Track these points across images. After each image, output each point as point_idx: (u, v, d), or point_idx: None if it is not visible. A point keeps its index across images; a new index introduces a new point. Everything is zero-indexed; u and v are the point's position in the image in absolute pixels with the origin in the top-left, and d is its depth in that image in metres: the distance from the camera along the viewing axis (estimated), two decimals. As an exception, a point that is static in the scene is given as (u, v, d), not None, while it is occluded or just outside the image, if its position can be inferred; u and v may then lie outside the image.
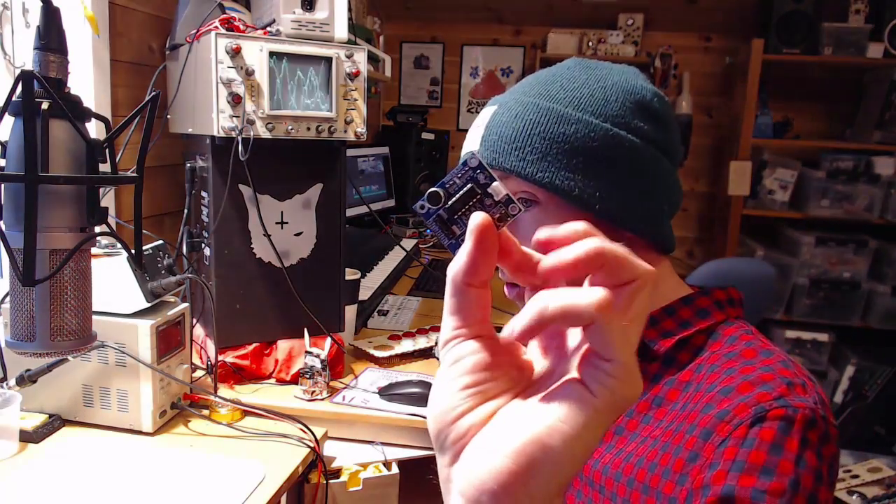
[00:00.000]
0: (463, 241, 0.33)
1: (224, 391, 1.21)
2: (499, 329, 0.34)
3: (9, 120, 0.63)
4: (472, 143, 0.68)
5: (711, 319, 0.65)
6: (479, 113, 0.73)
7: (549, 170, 0.62)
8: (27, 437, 1.02)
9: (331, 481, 1.11)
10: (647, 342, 0.65)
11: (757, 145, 3.12)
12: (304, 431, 1.09)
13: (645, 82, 0.67)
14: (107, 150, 0.68)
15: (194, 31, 1.21)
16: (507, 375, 0.32)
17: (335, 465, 1.15)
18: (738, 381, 0.56)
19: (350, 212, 2.25)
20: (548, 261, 0.30)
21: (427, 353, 1.45)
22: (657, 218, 0.65)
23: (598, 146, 0.62)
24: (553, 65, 0.71)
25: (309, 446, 1.07)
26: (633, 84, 0.65)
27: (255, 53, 1.13)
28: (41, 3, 0.64)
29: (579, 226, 0.30)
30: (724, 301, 0.66)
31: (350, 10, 1.34)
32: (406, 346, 1.46)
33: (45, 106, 0.62)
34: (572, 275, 0.29)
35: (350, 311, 1.47)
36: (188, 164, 1.28)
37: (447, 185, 0.36)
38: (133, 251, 0.77)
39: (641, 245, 0.66)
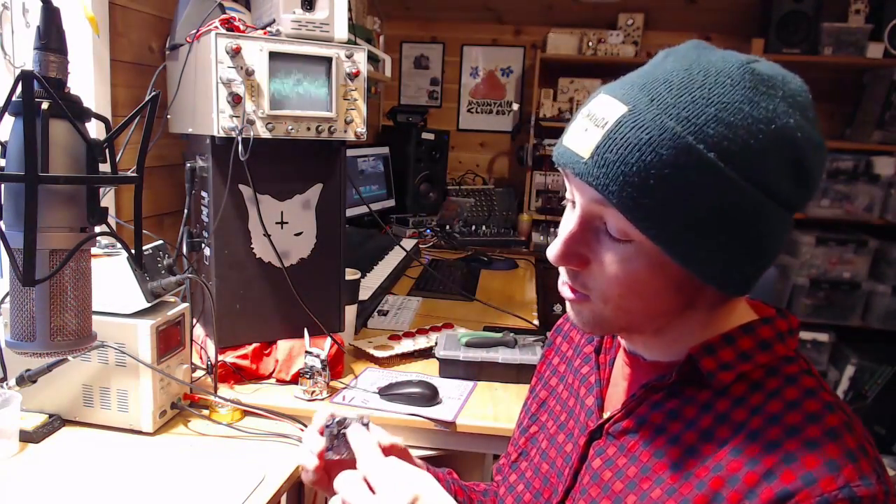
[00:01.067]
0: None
1: (224, 391, 1.21)
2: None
3: (9, 120, 0.63)
4: (581, 144, 0.55)
5: (773, 354, 0.59)
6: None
7: (660, 222, 0.53)
8: (27, 437, 1.02)
9: (331, 481, 1.11)
10: (704, 373, 0.59)
11: (757, 145, 3.11)
12: (303, 431, 1.09)
13: (811, 126, 0.55)
14: (107, 150, 0.68)
15: (194, 31, 1.21)
16: None
17: (335, 465, 1.15)
18: (802, 450, 0.52)
19: (350, 212, 2.25)
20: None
21: (427, 353, 1.45)
22: (754, 278, 0.57)
23: (727, 208, 0.52)
24: (648, 59, 0.59)
25: (309, 446, 1.07)
26: (799, 135, 0.53)
27: (255, 53, 1.13)
28: (41, 3, 0.64)
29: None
30: (786, 332, 0.61)
31: (350, 10, 1.34)
32: (406, 346, 1.46)
33: (45, 106, 0.62)
34: None
35: (350, 311, 1.47)
36: (188, 164, 1.28)
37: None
38: (133, 251, 0.77)
39: (715, 294, 0.59)
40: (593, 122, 0.55)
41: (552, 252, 0.59)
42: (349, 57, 1.22)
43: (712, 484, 0.55)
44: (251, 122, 1.14)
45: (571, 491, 0.68)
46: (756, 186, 0.52)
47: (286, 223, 1.28)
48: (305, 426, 1.09)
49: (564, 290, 0.63)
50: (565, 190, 0.61)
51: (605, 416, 0.68)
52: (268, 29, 1.19)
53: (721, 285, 0.56)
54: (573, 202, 0.60)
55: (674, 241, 0.53)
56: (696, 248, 0.54)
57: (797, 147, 0.53)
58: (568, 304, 0.64)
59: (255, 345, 1.29)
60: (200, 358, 1.31)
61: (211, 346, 1.25)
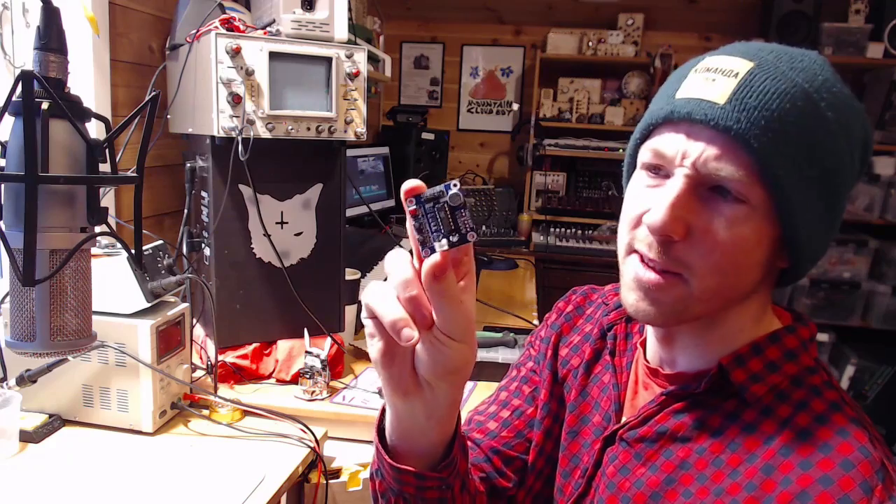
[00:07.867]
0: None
1: (224, 391, 1.21)
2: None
3: (9, 120, 0.63)
4: (712, 92, 0.53)
5: (799, 364, 0.59)
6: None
7: (792, 175, 0.52)
8: (27, 437, 1.02)
9: (331, 481, 1.11)
10: (735, 385, 0.58)
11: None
12: (304, 431, 1.09)
13: None
14: (107, 150, 0.68)
15: (194, 31, 1.21)
16: None
17: (335, 465, 1.15)
18: (836, 474, 0.51)
19: (350, 212, 2.24)
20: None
21: (427, 353, 1.45)
22: (818, 260, 0.59)
23: (838, 170, 0.54)
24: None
25: (309, 446, 1.07)
26: (866, 117, 0.58)
27: (255, 53, 1.13)
28: (41, 3, 0.64)
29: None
30: (808, 340, 0.61)
31: (350, 10, 1.34)
32: (406, 346, 1.46)
33: (45, 106, 0.62)
34: None
35: (350, 311, 1.47)
36: (188, 164, 1.28)
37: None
38: (133, 251, 0.77)
39: (773, 281, 0.60)
40: (721, 73, 0.54)
41: (656, 219, 0.54)
42: (349, 57, 1.22)
43: (728, 489, 0.54)
44: (251, 122, 1.14)
45: (587, 496, 0.66)
46: (853, 158, 0.56)
47: (286, 223, 1.28)
48: (305, 426, 1.09)
49: (648, 274, 0.57)
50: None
51: (622, 421, 0.66)
52: (268, 29, 1.19)
53: (811, 255, 0.57)
54: (664, 171, 0.57)
55: (794, 197, 0.53)
56: (810, 207, 0.54)
57: (867, 129, 0.58)
58: (638, 295, 0.58)
59: (254, 345, 1.29)
60: (200, 358, 1.31)
61: (211, 346, 1.25)
